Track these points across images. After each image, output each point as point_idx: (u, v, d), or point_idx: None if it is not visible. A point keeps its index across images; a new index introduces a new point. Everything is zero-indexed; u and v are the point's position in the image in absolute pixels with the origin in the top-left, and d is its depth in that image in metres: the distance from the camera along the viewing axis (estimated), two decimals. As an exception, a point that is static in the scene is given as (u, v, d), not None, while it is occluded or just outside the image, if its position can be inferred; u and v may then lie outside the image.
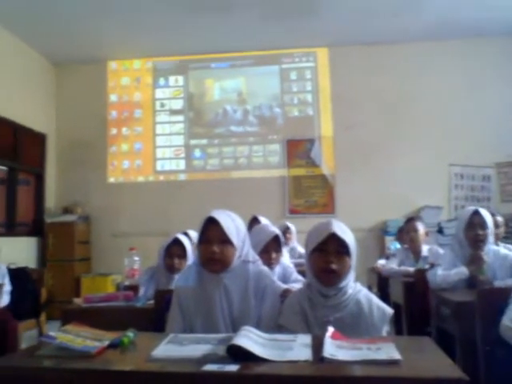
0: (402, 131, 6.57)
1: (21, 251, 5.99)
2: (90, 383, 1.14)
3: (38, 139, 6.77)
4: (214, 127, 6.97)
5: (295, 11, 5.76)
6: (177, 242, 2.75)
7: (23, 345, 3.63)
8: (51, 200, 6.93)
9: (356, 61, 6.75)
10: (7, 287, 3.82)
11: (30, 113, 6.48)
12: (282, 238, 2.61)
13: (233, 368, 1.08)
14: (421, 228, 3.91)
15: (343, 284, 1.63)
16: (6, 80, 5.96)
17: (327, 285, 1.63)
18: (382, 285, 4.21)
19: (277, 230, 2.63)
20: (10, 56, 6.11)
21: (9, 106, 5.94)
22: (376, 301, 1.66)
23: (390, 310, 1.65)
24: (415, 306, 3.11)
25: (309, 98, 6.96)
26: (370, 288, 4.53)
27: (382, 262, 4.63)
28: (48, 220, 6.63)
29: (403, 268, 3.78)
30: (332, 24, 6.14)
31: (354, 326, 1.59)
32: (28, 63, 6.56)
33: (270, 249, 2.52)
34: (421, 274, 3.05)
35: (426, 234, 3.98)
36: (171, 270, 2.72)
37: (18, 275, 4.04)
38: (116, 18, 5.81)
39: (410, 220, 4.07)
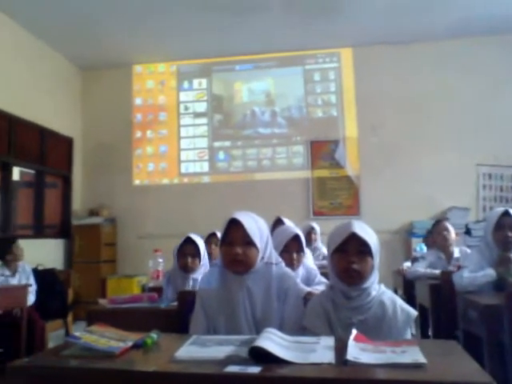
0: (428, 131, 6.47)
1: (48, 253, 6.11)
2: (113, 383, 1.14)
3: (65, 143, 6.90)
4: (242, 129, 6.98)
5: (318, 12, 5.73)
6: (189, 241, 2.75)
7: (50, 344, 3.71)
8: (78, 202, 7.06)
9: (380, 60, 6.68)
10: (33, 286, 3.91)
11: (57, 117, 6.61)
12: (302, 239, 2.58)
13: (255, 370, 1.07)
14: (452, 229, 3.84)
15: (366, 285, 1.61)
16: (34, 85, 6.10)
17: (350, 284, 1.61)
18: (407, 287, 4.15)
19: (297, 230, 2.61)
20: (38, 61, 6.25)
21: (37, 111, 6.08)
22: (400, 303, 1.64)
23: (414, 312, 1.62)
24: (442, 309, 3.05)
25: (333, 98, 6.92)
26: (395, 291, 4.48)
27: (407, 264, 4.56)
28: (75, 222, 6.76)
29: (429, 270, 3.71)
30: (356, 24, 6.09)
31: (377, 328, 1.57)
32: (55, 68, 6.70)
33: (291, 249, 2.49)
34: (447, 277, 2.99)
35: (457, 235, 3.91)
36: (185, 269, 2.72)
37: (45, 276, 4.13)
38: (141, 22, 5.88)
39: (441, 221, 3.99)
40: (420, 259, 4.20)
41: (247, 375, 1.06)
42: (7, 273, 3.88)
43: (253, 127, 6.97)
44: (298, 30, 6.23)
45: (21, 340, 3.48)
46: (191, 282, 2.70)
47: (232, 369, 1.09)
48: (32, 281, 3.94)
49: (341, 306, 1.63)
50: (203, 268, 2.77)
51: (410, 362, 1.08)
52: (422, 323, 3.56)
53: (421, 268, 3.80)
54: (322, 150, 6.76)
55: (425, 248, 4.95)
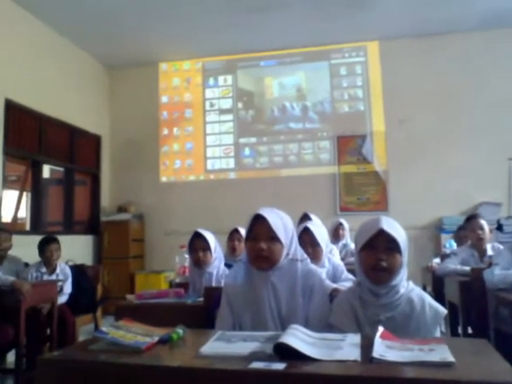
0: (457, 125, 6.34)
1: (78, 249, 6.22)
2: (139, 378, 1.15)
3: (94, 141, 7.02)
4: (272, 124, 6.96)
5: (344, 5, 5.67)
6: (198, 236, 2.75)
7: (81, 338, 3.78)
8: (106, 199, 7.17)
9: (408, 53, 6.57)
10: (68, 289, 3.98)
11: (85, 115, 6.73)
12: (322, 232, 2.55)
13: (279, 366, 1.07)
14: (486, 226, 3.73)
15: (395, 282, 1.58)
16: (63, 84, 6.22)
17: (378, 283, 1.59)
18: (436, 284, 4.08)
19: (308, 224, 2.58)
20: (66, 61, 6.37)
21: (66, 110, 6.20)
22: (429, 300, 1.60)
23: (443, 310, 1.58)
24: (472, 307, 2.99)
25: (359, 93, 6.85)
26: (424, 288, 4.41)
27: (437, 260, 4.49)
28: (103, 218, 6.87)
29: (459, 267, 3.64)
30: (382, 17, 6.01)
31: (405, 325, 1.54)
32: (83, 67, 6.81)
33: (305, 243, 2.47)
34: (477, 273, 2.93)
35: (490, 231, 3.80)
36: (198, 264, 2.73)
37: (75, 272, 4.20)
38: (166, 20, 5.93)
39: (474, 217, 3.85)
40: (451, 256, 4.11)
41: (272, 372, 1.06)
42: (43, 270, 3.96)
43: (284, 122, 6.93)
44: (323, 25, 6.18)
45: (52, 334, 3.56)
46: (207, 277, 2.70)
47: (256, 365, 1.09)
48: (69, 283, 4.01)
49: (368, 303, 1.60)
50: (217, 261, 2.77)
51: (437, 361, 1.06)
52: (452, 321, 3.50)
53: (452, 265, 3.72)
54: (349, 145, 6.70)
55: (454, 244, 4.86)
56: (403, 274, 1.60)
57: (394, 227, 1.59)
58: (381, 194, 6.54)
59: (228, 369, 1.10)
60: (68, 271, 4.07)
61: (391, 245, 1.57)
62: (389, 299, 1.58)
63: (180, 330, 1.40)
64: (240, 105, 7.11)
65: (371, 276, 1.59)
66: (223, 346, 1.28)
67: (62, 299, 3.88)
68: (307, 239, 2.49)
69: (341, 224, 4.98)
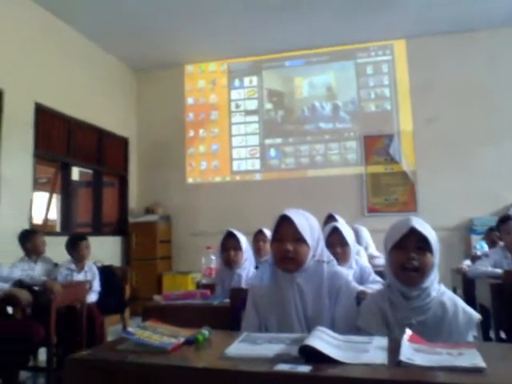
0: (487, 122, 6.20)
1: (106, 250, 6.32)
2: (165, 378, 1.16)
3: (121, 143, 7.13)
4: (302, 124, 6.93)
5: (369, 4, 5.62)
6: (230, 236, 2.78)
7: (109, 338, 3.83)
8: (134, 201, 7.26)
9: (435, 51, 6.47)
10: (97, 287, 4.05)
11: (113, 118, 6.83)
12: (348, 232, 2.53)
13: (305, 369, 1.06)
14: None
15: (426, 284, 1.54)
16: (91, 88, 6.33)
17: (409, 284, 1.55)
18: (467, 286, 3.99)
19: (337, 224, 2.56)
20: (94, 64, 6.48)
21: (94, 113, 6.31)
22: (462, 304, 1.56)
23: (477, 316, 1.54)
24: (504, 310, 2.91)
25: (386, 92, 6.77)
26: (454, 290, 4.32)
27: (467, 262, 4.39)
28: (131, 220, 6.96)
29: (490, 269, 3.55)
30: (409, 14, 5.92)
31: (437, 330, 1.50)
32: (110, 70, 6.93)
33: (333, 242, 2.45)
34: (510, 276, 2.85)
35: None
36: (229, 263, 2.74)
37: (104, 273, 4.26)
38: (192, 22, 5.97)
39: (508, 219, 3.73)
40: (483, 257, 4.01)
41: (297, 374, 1.05)
42: (73, 267, 4.05)
43: (314, 122, 6.89)
44: (350, 24, 6.13)
45: (81, 334, 3.62)
46: (236, 278, 2.71)
47: (282, 367, 1.08)
48: (97, 282, 4.08)
49: (399, 306, 1.57)
50: (247, 262, 2.78)
51: (467, 366, 1.03)
52: (483, 324, 3.41)
53: (483, 267, 3.63)
54: (376, 145, 6.62)
55: (485, 246, 4.74)
56: (434, 275, 1.57)
57: (425, 226, 1.56)
58: (409, 195, 6.44)
59: (253, 371, 1.10)
60: (95, 270, 4.15)
61: (422, 244, 1.53)
62: (420, 302, 1.54)
63: (206, 331, 1.40)
64: (270, 105, 7.09)
65: (402, 277, 1.56)
66: (248, 347, 1.28)
67: (92, 298, 3.95)
68: (336, 239, 2.48)
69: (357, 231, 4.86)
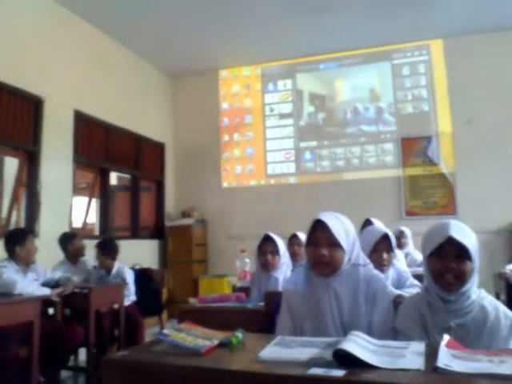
0: (531, 123, 6.00)
1: (144, 253, 6.43)
2: (199, 380, 1.17)
3: (158, 148, 7.24)
4: (344, 127, 6.88)
5: (404, 4, 5.53)
6: (268, 239, 2.79)
7: (148, 339, 3.88)
8: (170, 205, 7.36)
9: (474, 49, 6.31)
10: (129, 287, 4.11)
11: (149, 124, 6.96)
12: (392, 238, 2.49)
13: (339, 373, 1.04)
14: None
15: (465, 288, 1.50)
16: (129, 95, 6.47)
17: (447, 290, 1.51)
18: (511, 292, 3.85)
19: (386, 230, 2.52)
20: (130, 72, 6.62)
21: (131, 119, 6.44)
22: (503, 309, 1.51)
23: None
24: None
25: (423, 93, 6.64)
26: (497, 296, 4.19)
27: (510, 267, 4.24)
28: (168, 223, 7.05)
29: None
30: (445, 13, 5.79)
31: (477, 334, 1.46)
32: (147, 78, 7.06)
33: (381, 249, 2.41)
34: (556, 280, 2.74)
35: None
36: (266, 266, 2.75)
37: (141, 276, 4.33)
38: (225, 28, 6.03)
39: None
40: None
41: (331, 378, 1.03)
42: (102, 272, 4.16)
43: (356, 125, 6.83)
44: (384, 24, 6.05)
45: (120, 335, 3.69)
46: (273, 281, 2.71)
47: (315, 371, 1.07)
48: (131, 281, 4.14)
49: (437, 308, 1.53)
50: (284, 266, 2.78)
51: (509, 374, 0.99)
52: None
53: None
54: (414, 147, 6.50)
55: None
56: (474, 280, 1.52)
57: (464, 232, 1.51)
58: (448, 197, 6.29)
59: (286, 374, 1.09)
60: (126, 268, 4.19)
61: (461, 252, 1.49)
62: (459, 305, 1.50)
63: (240, 334, 1.40)
64: (311, 108, 7.06)
65: (440, 283, 1.52)
66: (282, 350, 1.27)
67: (130, 298, 4.01)
68: (384, 246, 2.44)
69: (402, 232, 4.80)
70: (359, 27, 6.10)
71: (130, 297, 4.04)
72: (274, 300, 2.12)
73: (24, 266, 3.30)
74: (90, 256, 4.26)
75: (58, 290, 3.36)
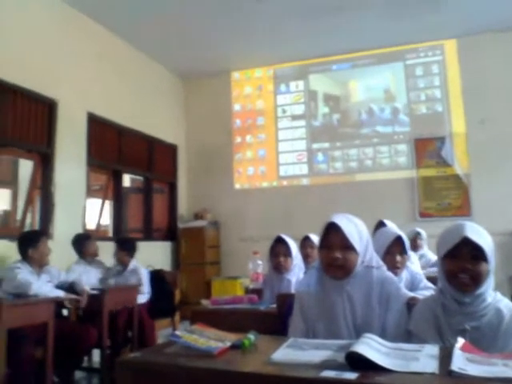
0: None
1: (157, 255, 6.45)
2: (211, 382, 1.17)
3: (170, 150, 7.27)
4: (358, 128, 6.84)
5: (418, 4, 5.49)
6: (280, 241, 2.78)
7: (159, 341, 3.90)
8: (183, 206, 7.38)
9: (488, 49, 6.23)
10: (146, 288, 4.14)
11: (162, 126, 6.99)
12: (405, 240, 2.47)
13: (351, 376, 1.04)
14: None
15: (481, 291, 1.49)
16: (141, 97, 6.50)
17: (462, 291, 1.50)
18: (526, 294, 3.81)
19: (400, 232, 2.50)
20: (142, 74, 6.65)
21: (144, 121, 6.47)
22: None
23: None
24: None
25: (437, 93, 6.58)
26: (512, 297, 4.13)
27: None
28: (181, 225, 7.07)
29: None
30: (459, 13, 5.73)
31: (492, 337, 1.44)
32: (159, 80, 7.09)
33: (394, 251, 2.39)
34: None
35: None
36: (278, 268, 2.75)
37: (154, 277, 4.35)
38: (237, 30, 6.03)
39: None
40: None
41: (343, 381, 1.03)
42: (118, 267, 4.20)
43: (371, 125, 6.79)
44: (398, 25, 6.00)
45: (133, 337, 3.70)
46: (286, 283, 2.70)
47: (328, 374, 1.06)
48: (145, 282, 4.17)
49: (452, 311, 1.52)
50: (296, 268, 2.77)
51: (525, 378, 0.97)
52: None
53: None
54: (428, 148, 6.45)
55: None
56: (490, 282, 1.51)
57: (479, 233, 1.50)
58: (463, 199, 6.22)
59: (299, 376, 1.09)
60: (142, 269, 4.22)
61: (476, 252, 1.48)
62: (474, 307, 1.49)
63: (252, 336, 1.40)
64: (326, 109, 7.03)
65: (454, 284, 1.51)
66: (294, 353, 1.27)
67: (143, 298, 4.03)
68: (398, 248, 2.42)
69: (418, 234, 4.77)
70: (372, 27, 6.06)
71: (144, 295, 4.06)
72: (286, 302, 2.12)
73: (37, 267, 3.32)
74: (104, 258, 4.30)
75: (73, 297, 3.35)
